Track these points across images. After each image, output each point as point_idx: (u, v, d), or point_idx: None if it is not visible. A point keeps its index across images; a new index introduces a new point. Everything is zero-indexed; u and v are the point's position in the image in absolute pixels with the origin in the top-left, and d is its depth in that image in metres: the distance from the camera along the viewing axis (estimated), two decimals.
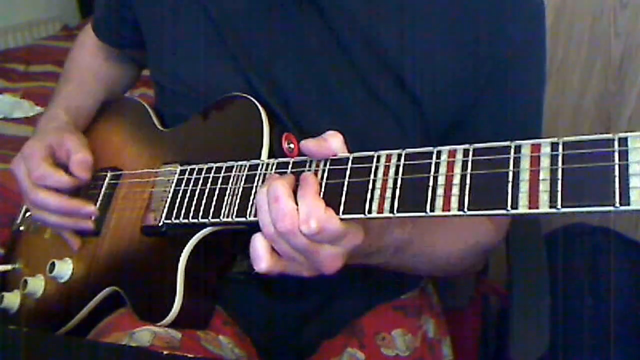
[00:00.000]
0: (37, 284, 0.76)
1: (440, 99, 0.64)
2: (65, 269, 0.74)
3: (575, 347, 1.04)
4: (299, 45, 0.65)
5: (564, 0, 1.26)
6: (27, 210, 0.87)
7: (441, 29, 0.62)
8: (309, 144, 0.53)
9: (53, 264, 0.74)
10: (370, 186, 0.49)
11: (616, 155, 0.39)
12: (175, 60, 0.71)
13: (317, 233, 0.49)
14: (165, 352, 0.57)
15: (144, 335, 0.63)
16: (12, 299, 0.78)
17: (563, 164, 0.41)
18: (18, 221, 0.87)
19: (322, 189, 0.52)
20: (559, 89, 1.32)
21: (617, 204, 0.38)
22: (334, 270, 0.52)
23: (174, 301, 0.63)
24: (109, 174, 0.76)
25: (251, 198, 0.57)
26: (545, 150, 0.42)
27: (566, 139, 0.42)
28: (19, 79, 1.99)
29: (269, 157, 0.61)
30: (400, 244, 0.60)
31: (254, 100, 0.64)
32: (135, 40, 0.80)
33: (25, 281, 0.76)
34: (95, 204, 0.74)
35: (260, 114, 0.63)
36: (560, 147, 0.42)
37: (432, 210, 0.46)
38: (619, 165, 0.39)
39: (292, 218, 0.49)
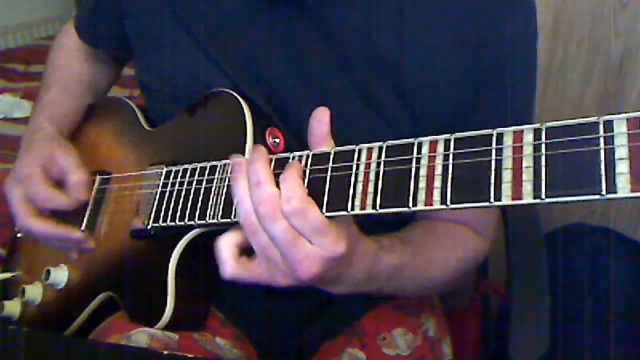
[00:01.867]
0: (35, 292, 0.76)
1: (438, 105, 0.64)
2: (60, 275, 0.74)
3: (575, 347, 1.04)
4: (295, 50, 0.65)
5: (564, 0, 1.26)
6: None
7: (440, 35, 0.62)
8: (324, 120, 0.52)
9: (48, 272, 0.73)
10: (352, 182, 0.48)
11: (601, 140, 0.37)
12: (162, 61, 0.71)
13: (299, 214, 0.48)
14: (165, 352, 0.57)
15: (140, 337, 0.63)
16: (13, 307, 0.77)
17: (547, 150, 0.40)
18: (17, 228, 0.87)
19: (305, 187, 0.51)
20: (559, 89, 1.32)
21: (604, 192, 0.37)
22: (309, 276, 0.49)
23: (166, 305, 0.62)
24: (97, 178, 0.75)
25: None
26: (528, 137, 0.41)
27: (549, 124, 0.40)
28: (19, 79, 1.99)
29: None
30: (393, 271, 0.59)
31: (235, 94, 0.63)
32: (119, 42, 0.79)
33: (23, 289, 0.76)
34: (86, 210, 0.74)
35: (242, 108, 0.62)
36: (543, 133, 0.40)
37: (414, 204, 0.45)
38: (605, 149, 0.37)
39: (274, 200, 0.48)
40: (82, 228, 0.73)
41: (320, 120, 0.52)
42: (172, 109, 0.71)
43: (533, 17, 0.66)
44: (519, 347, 0.71)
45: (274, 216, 0.48)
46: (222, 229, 0.59)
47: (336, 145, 0.52)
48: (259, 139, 0.60)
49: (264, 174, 0.50)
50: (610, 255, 1.18)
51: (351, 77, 0.64)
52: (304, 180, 0.51)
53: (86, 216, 0.74)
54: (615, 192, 0.36)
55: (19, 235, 0.86)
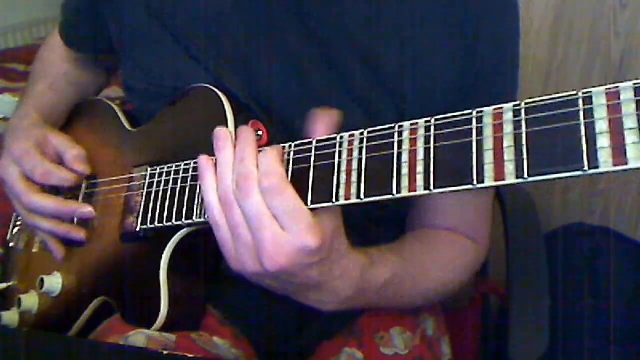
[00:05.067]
0: (31, 301, 0.75)
1: (432, 107, 0.63)
2: (55, 283, 0.73)
3: (575, 347, 1.04)
4: (285, 50, 0.64)
5: (564, 0, 1.26)
6: (15, 226, 0.87)
7: (437, 38, 0.63)
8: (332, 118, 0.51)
9: (42, 280, 0.73)
10: (335, 171, 0.48)
11: (581, 113, 0.37)
12: (147, 62, 0.71)
13: (276, 190, 0.47)
14: (165, 352, 0.57)
15: (138, 338, 0.63)
16: (12, 317, 0.77)
17: (527, 128, 0.39)
18: (8, 237, 0.86)
19: (289, 178, 0.50)
20: (559, 89, 1.31)
21: (586, 167, 0.36)
22: (275, 266, 0.48)
23: (160, 307, 0.62)
24: (84, 183, 0.75)
25: None
26: (508, 115, 0.40)
27: (528, 100, 0.40)
28: (19, 79, 1.99)
29: None
30: (384, 284, 0.58)
31: (214, 88, 0.63)
32: (103, 47, 0.79)
33: (19, 299, 0.75)
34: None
35: (222, 102, 0.61)
36: (523, 111, 0.40)
37: (398, 191, 0.44)
38: (585, 124, 0.37)
39: (253, 176, 0.48)
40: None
41: (324, 122, 0.51)
42: (156, 108, 0.70)
43: (518, 15, 0.67)
44: (519, 347, 0.71)
45: (251, 191, 0.48)
46: (210, 228, 0.59)
47: None
48: None
49: (249, 152, 0.50)
50: (610, 255, 1.18)
51: (342, 78, 0.63)
52: (287, 171, 0.51)
53: (75, 222, 0.73)
54: (597, 167, 0.36)
55: (11, 244, 0.86)
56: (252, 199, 0.48)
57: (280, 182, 0.48)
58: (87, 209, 0.70)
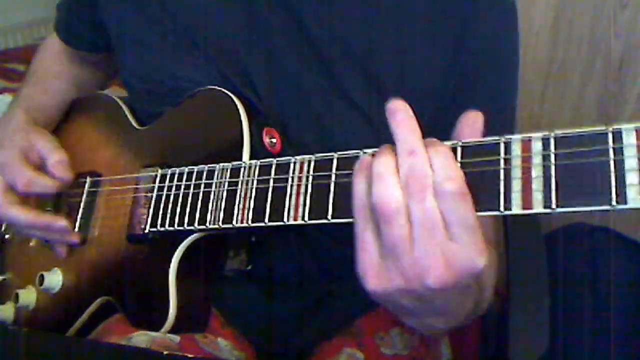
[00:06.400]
0: (28, 296, 0.75)
1: (416, 100, 0.64)
2: (55, 280, 0.73)
3: (575, 347, 1.04)
4: (273, 47, 0.65)
5: (564, 0, 1.26)
6: None
7: (435, 46, 0.63)
8: (477, 127, 0.45)
9: (42, 277, 0.72)
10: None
11: (611, 150, 0.38)
12: (142, 59, 0.71)
13: (459, 197, 0.40)
14: (165, 352, 0.57)
15: (141, 339, 0.63)
16: (6, 311, 0.76)
17: (556, 160, 0.40)
18: (2, 229, 0.86)
19: (310, 191, 0.49)
20: (559, 89, 1.32)
21: (614, 202, 0.37)
22: (439, 283, 0.40)
23: (168, 310, 0.61)
24: (88, 180, 0.74)
25: (236, 203, 0.55)
26: (537, 146, 0.41)
27: (558, 132, 0.40)
28: (19, 79, 1.99)
29: (251, 152, 0.59)
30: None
31: (229, 93, 0.62)
32: (100, 44, 0.79)
33: (17, 294, 0.75)
34: (77, 213, 0.73)
35: (237, 107, 0.61)
36: (552, 143, 0.40)
37: None
38: (614, 160, 0.38)
39: (427, 174, 0.40)
40: (75, 231, 0.72)
41: (473, 126, 0.45)
42: (157, 107, 0.70)
43: (515, 17, 0.67)
44: (519, 347, 0.70)
45: (425, 193, 0.40)
46: (221, 233, 0.59)
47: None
48: (255, 139, 0.60)
49: (418, 142, 0.42)
50: (610, 255, 1.18)
51: (338, 83, 0.63)
52: (306, 187, 0.49)
53: (78, 219, 0.73)
54: (626, 204, 0.37)
55: (7, 236, 0.85)
56: (426, 203, 0.40)
57: (464, 187, 0.40)
58: (62, 223, 0.70)
